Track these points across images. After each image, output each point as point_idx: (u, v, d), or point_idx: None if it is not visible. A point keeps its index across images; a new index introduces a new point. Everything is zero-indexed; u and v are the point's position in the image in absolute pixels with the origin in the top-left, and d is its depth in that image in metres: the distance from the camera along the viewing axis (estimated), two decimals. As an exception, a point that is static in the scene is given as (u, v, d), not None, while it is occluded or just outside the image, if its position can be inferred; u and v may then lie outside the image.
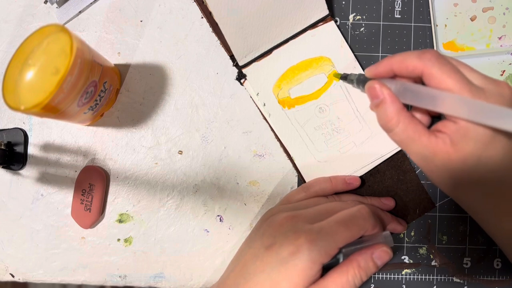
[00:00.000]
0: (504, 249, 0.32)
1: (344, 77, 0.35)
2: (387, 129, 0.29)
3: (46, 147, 0.41)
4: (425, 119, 0.30)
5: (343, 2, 0.41)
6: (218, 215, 0.40)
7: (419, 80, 0.29)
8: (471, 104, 0.25)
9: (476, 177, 0.27)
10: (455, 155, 0.27)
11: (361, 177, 0.39)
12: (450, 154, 0.27)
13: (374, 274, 0.39)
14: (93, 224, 0.40)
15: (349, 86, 0.39)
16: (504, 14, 0.40)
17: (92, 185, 0.39)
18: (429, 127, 0.30)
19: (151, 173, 0.41)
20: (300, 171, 0.39)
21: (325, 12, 0.39)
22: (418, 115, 0.30)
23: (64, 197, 0.41)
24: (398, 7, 0.41)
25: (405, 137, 0.28)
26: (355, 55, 0.40)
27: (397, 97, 0.28)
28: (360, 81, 0.31)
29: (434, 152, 0.27)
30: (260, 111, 0.40)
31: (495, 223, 0.30)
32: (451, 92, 0.26)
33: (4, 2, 0.41)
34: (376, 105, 0.29)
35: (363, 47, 0.41)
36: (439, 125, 0.28)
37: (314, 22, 0.39)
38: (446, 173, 0.28)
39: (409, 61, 0.28)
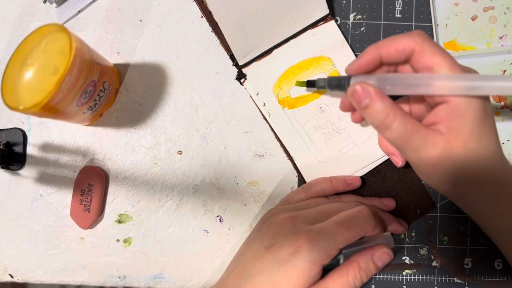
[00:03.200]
0: (503, 247, 0.31)
1: (311, 83, 0.32)
2: (385, 127, 0.27)
3: (45, 147, 0.41)
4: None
5: (344, 2, 0.41)
6: (218, 216, 0.40)
7: (396, 69, 0.28)
8: (465, 78, 0.25)
9: (476, 166, 0.26)
10: (455, 141, 0.26)
11: (361, 177, 0.39)
12: (451, 140, 0.26)
13: (375, 275, 0.39)
14: (92, 224, 0.40)
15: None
16: (505, 13, 0.40)
17: (91, 185, 0.39)
18: None
19: (151, 173, 0.40)
20: (300, 171, 0.39)
21: (326, 11, 0.39)
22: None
23: (63, 198, 0.40)
24: (399, 7, 0.41)
25: (404, 132, 0.27)
26: (355, 54, 0.40)
27: (383, 92, 0.27)
28: (333, 85, 0.30)
29: (434, 143, 0.26)
30: (260, 111, 0.40)
31: (494, 220, 0.30)
32: (441, 68, 0.26)
33: (3, 1, 0.41)
34: (365, 107, 0.28)
35: (364, 46, 0.40)
36: (431, 116, 0.27)
37: (315, 22, 0.39)
38: (442, 172, 0.27)
39: (398, 41, 0.28)
